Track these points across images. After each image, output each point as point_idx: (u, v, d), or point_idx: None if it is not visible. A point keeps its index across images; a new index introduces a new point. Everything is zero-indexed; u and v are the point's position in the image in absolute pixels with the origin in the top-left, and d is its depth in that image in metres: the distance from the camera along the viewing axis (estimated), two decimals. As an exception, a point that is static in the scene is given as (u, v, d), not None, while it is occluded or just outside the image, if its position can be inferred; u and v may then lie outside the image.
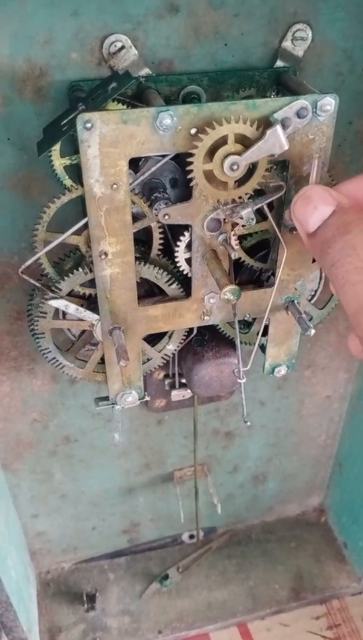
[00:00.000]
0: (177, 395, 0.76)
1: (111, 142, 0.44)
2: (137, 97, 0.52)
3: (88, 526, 0.98)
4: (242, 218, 0.50)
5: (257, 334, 0.65)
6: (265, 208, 0.51)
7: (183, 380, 0.74)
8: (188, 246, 0.53)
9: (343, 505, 1.07)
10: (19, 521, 0.92)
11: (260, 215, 0.57)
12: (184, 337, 0.62)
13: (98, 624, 0.98)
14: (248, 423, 0.60)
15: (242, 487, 1.03)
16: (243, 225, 0.53)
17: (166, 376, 0.75)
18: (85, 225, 0.49)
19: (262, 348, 0.66)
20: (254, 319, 0.63)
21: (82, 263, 0.53)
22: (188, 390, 0.73)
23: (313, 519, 1.13)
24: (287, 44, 0.56)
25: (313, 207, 0.38)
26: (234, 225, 0.53)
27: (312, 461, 1.04)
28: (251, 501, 1.06)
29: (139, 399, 0.62)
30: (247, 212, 0.50)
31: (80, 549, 1.02)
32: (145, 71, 0.52)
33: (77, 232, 0.50)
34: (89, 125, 0.43)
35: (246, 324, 0.65)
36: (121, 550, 1.05)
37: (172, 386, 0.76)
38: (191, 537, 1.07)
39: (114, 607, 1.00)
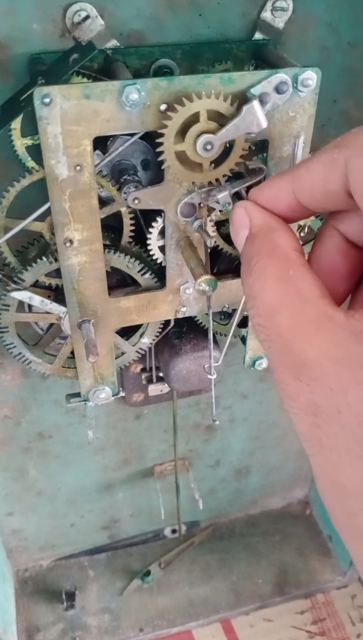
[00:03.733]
0: (154, 389, 0.73)
1: (73, 119, 0.40)
2: (105, 72, 0.48)
3: (66, 523, 0.95)
4: (218, 202, 0.47)
5: (236, 326, 0.62)
6: (244, 192, 0.47)
7: (161, 374, 0.70)
8: (162, 233, 0.50)
9: (328, 497, 1.05)
10: (-6, 519, 0.89)
11: (238, 199, 0.53)
12: (160, 330, 0.59)
13: (77, 623, 0.95)
14: (217, 422, 0.57)
15: (224, 481, 1.00)
16: (220, 211, 0.49)
17: (143, 370, 0.72)
18: (49, 211, 0.45)
19: (243, 340, 0.63)
20: (234, 310, 0.60)
21: (46, 251, 0.49)
22: (166, 385, 0.70)
23: (298, 512, 1.11)
24: (266, 14, 0.52)
25: (235, 232, 0.31)
26: (210, 210, 0.49)
27: (296, 454, 1.01)
28: (234, 495, 1.04)
29: (113, 395, 0.59)
30: (224, 196, 0.46)
31: (59, 546, 0.99)
32: (113, 43, 0.48)
33: (40, 218, 0.47)
34: (47, 100, 0.39)
35: (226, 315, 0.62)
36: (101, 547, 1.03)
37: (149, 380, 0.73)
38: (173, 531, 1.05)
39: (93, 605, 0.98)
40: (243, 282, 0.29)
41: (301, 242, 0.29)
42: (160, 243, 0.51)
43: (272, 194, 0.31)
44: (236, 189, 0.46)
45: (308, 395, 0.24)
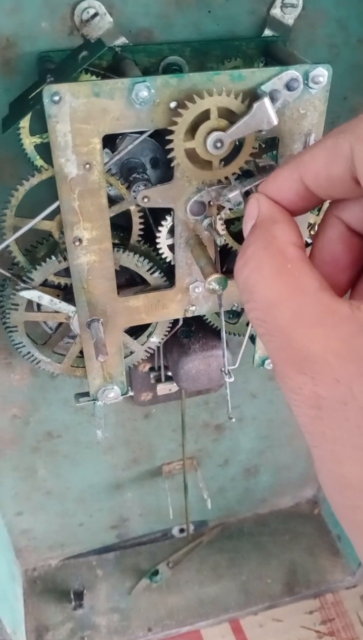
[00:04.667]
0: (163, 389, 0.72)
1: (82, 117, 0.40)
2: (114, 70, 0.48)
3: (75, 522, 0.95)
4: (229, 201, 0.46)
5: (247, 325, 0.62)
6: (254, 190, 0.47)
7: (170, 374, 0.70)
8: (171, 232, 0.50)
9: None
10: (3, 519, 0.89)
11: (247, 196, 0.53)
12: (169, 329, 0.58)
13: (86, 622, 0.95)
14: (233, 420, 0.56)
15: (233, 480, 1.00)
16: (230, 209, 0.49)
17: (151, 369, 0.72)
18: (58, 210, 0.45)
19: (252, 339, 0.62)
20: (243, 309, 0.60)
21: (55, 250, 0.49)
22: (175, 384, 0.69)
23: (307, 511, 1.11)
24: (275, 11, 0.51)
25: (245, 223, 0.31)
26: (220, 208, 0.49)
27: (306, 453, 1.01)
28: (243, 494, 1.03)
29: (122, 395, 0.59)
30: (235, 195, 0.45)
31: (68, 545, 0.99)
32: (122, 40, 0.48)
33: (49, 217, 0.46)
34: (56, 98, 0.39)
35: (235, 314, 0.62)
36: (110, 546, 1.03)
37: (158, 379, 0.72)
38: (181, 531, 1.04)
39: (102, 604, 0.98)
40: (237, 273, 0.28)
41: (307, 239, 0.29)
42: (170, 242, 0.51)
43: (279, 183, 0.30)
44: (247, 188, 0.46)
45: (312, 388, 0.24)
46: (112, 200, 0.48)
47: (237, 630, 0.98)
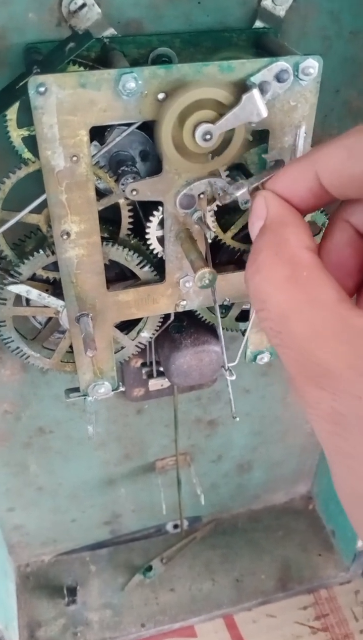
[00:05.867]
0: (155, 384, 0.72)
1: (69, 109, 0.40)
2: (102, 61, 0.47)
3: (67, 518, 0.95)
4: (236, 200, 0.45)
5: (235, 320, 0.61)
6: (261, 187, 0.46)
7: (161, 369, 0.70)
8: (161, 225, 0.49)
9: (331, 492, 1.04)
10: (-6, 515, 0.89)
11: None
12: (160, 324, 0.58)
13: (79, 618, 0.95)
14: (237, 419, 0.56)
15: (226, 476, 0.99)
16: (217, 205, 0.49)
17: (143, 364, 0.71)
18: (46, 203, 0.45)
19: (244, 334, 0.62)
20: (233, 303, 0.59)
21: (43, 244, 0.49)
22: (167, 379, 0.69)
23: (301, 507, 1.11)
24: (266, 2, 0.51)
25: (251, 223, 0.29)
26: (210, 202, 0.49)
27: (299, 449, 1.00)
28: (236, 490, 1.03)
29: (113, 390, 0.58)
30: (243, 194, 0.44)
31: (60, 541, 0.99)
32: (110, 32, 0.47)
33: (37, 211, 0.46)
34: (42, 89, 0.38)
35: (224, 308, 0.61)
36: (103, 542, 1.02)
37: (150, 375, 0.72)
38: (175, 527, 1.04)
39: (95, 600, 0.97)
40: (248, 277, 0.27)
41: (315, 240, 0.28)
42: (159, 235, 0.50)
43: (292, 178, 0.29)
44: (254, 185, 0.44)
45: (330, 404, 0.24)
46: (101, 194, 0.47)
47: (230, 626, 0.98)
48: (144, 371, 0.72)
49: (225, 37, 0.50)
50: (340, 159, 0.27)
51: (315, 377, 0.24)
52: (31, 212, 0.45)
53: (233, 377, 0.54)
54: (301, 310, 0.25)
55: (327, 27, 0.55)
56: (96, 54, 0.47)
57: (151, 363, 0.70)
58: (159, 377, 0.72)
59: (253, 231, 0.29)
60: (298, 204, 0.29)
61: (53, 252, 0.48)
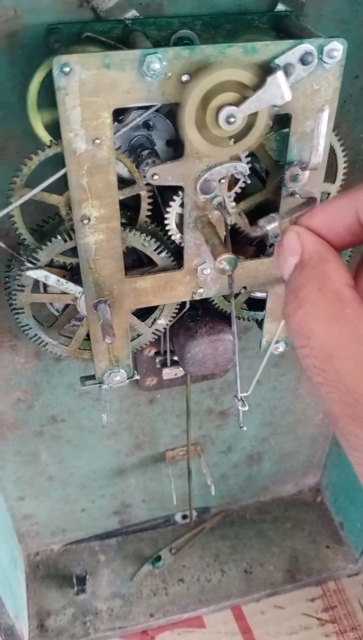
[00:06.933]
0: (168, 373, 0.72)
1: (92, 90, 0.39)
2: (124, 42, 0.46)
3: (77, 508, 0.95)
4: (267, 233, 0.45)
5: (249, 309, 0.61)
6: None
7: (175, 358, 0.69)
8: (180, 211, 0.49)
9: (340, 485, 1.04)
10: (5, 504, 0.88)
11: (258, 178, 0.52)
12: (176, 311, 0.58)
13: (88, 608, 0.95)
14: (244, 428, 0.56)
15: (236, 467, 0.99)
16: (240, 187, 0.48)
17: (157, 353, 0.71)
18: (67, 185, 0.44)
19: (258, 324, 0.62)
20: (244, 288, 0.58)
21: (62, 229, 0.48)
22: (181, 369, 0.69)
23: (310, 499, 1.10)
24: (289, -15, 0.50)
25: (284, 258, 0.29)
26: (231, 187, 0.48)
27: (309, 440, 1.00)
28: (246, 481, 1.03)
29: (128, 378, 0.58)
30: (273, 228, 0.44)
31: (70, 530, 0.99)
32: (132, 13, 0.47)
33: (59, 192, 0.45)
34: (66, 69, 0.38)
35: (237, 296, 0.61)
36: (112, 532, 1.02)
37: (164, 364, 0.71)
38: (184, 517, 1.04)
39: (104, 590, 0.97)
40: (289, 312, 0.27)
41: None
42: (179, 221, 0.50)
43: (331, 215, 0.29)
44: (286, 219, 0.44)
45: None
46: (120, 180, 0.47)
47: (238, 616, 0.98)
48: (157, 360, 0.71)
49: (246, 19, 0.50)
50: None
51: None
52: (52, 192, 0.45)
53: (246, 408, 0.54)
54: (346, 347, 0.24)
55: (344, 10, 0.54)
56: (118, 35, 0.47)
57: (165, 352, 0.70)
58: (173, 366, 0.72)
59: (286, 266, 0.29)
60: (334, 241, 0.29)
61: (70, 237, 0.47)
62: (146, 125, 0.49)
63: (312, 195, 0.45)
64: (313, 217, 0.29)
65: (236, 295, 0.60)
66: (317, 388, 0.26)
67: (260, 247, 0.56)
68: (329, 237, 0.29)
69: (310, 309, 0.26)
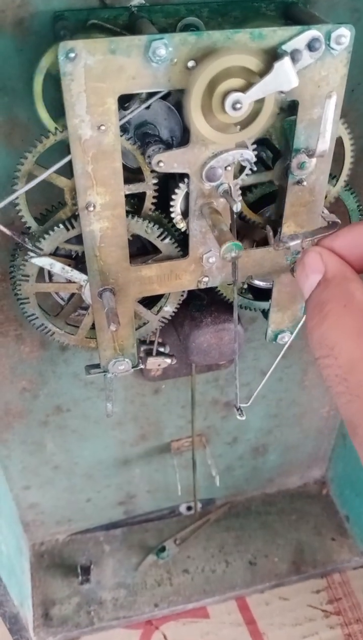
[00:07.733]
0: (152, 363, 0.69)
1: (98, 75, 0.39)
2: (130, 29, 0.46)
3: (82, 498, 0.95)
4: (288, 249, 0.47)
5: (255, 300, 0.61)
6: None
7: (162, 349, 0.68)
8: (186, 198, 0.48)
9: (345, 477, 1.04)
10: (10, 493, 0.89)
11: (263, 165, 0.52)
12: (180, 303, 0.57)
13: (93, 597, 0.96)
14: (243, 418, 0.57)
15: (241, 458, 0.99)
16: (247, 174, 0.48)
17: (142, 342, 0.68)
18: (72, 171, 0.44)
19: (264, 314, 0.61)
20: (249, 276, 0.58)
21: (63, 216, 0.48)
22: (166, 360, 0.67)
23: (315, 492, 1.10)
24: (297, -28, 0.50)
25: (305, 276, 0.32)
26: (237, 175, 0.48)
27: (315, 433, 1.00)
28: (251, 473, 1.03)
29: (133, 367, 0.58)
30: (295, 245, 0.45)
31: (75, 520, 0.99)
32: (138, 1, 0.47)
33: (68, 176, 0.45)
34: (72, 55, 0.38)
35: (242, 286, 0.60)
36: (117, 522, 1.03)
37: (149, 353, 0.69)
38: (189, 508, 1.04)
39: (109, 579, 0.98)
40: (313, 325, 0.29)
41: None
42: (184, 209, 0.50)
43: (352, 239, 0.30)
44: (308, 239, 0.44)
45: None
46: (125, 169, 0.47)
47: (243, 607, 0.98)
48: (142, 349, 0.68)
49: (253, 7, 0.49)
50: None
51: None
52: (61, 175, 0.45)
53: (244, 418, 0.55)
54: None
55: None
56: (123, 22, 0.46)
57: (151, 342, 0.68)
58: (159, 356, 0.70)
59: (309, 282, 0.31)
60: (354, 263, 0.30)
61: (73, 226, 0.47)
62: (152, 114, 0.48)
63: (335, 220, 0.46)
64: (336, 239, 0.31)
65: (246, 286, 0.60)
66: (337, 397, 0.27)
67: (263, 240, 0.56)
68: (350, 259, 0.30)
69: (335, 323, 0.28)
